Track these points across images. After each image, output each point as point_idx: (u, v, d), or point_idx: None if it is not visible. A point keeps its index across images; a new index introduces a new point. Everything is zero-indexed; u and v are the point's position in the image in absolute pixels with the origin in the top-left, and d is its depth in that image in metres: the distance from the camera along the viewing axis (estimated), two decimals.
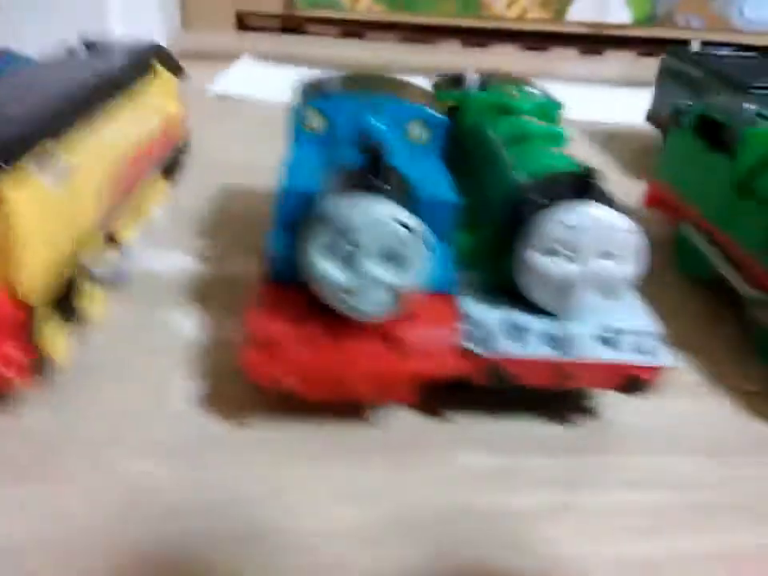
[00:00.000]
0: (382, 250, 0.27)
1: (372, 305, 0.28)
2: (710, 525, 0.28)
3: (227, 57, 1.06)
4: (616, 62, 1.41)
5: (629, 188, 0.54)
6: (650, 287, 0.47)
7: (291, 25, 1.42)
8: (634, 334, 0.31)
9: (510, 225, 0.32)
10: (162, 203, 0.47)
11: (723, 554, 0.26)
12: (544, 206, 0.29)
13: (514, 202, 0.33)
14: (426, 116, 0.38)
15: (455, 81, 0.48)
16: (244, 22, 1.42)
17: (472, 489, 0.28)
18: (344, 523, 0.26)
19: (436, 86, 0.49)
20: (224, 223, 0.49)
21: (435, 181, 0.35)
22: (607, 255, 0.29)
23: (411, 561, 0.25)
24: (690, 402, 0.35)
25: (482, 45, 1.47)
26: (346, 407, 0.31)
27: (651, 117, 0.76)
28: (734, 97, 0.49)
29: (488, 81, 0.46)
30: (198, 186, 0.54)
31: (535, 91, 0.46)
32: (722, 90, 0.63)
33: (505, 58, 1.39)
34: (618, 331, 0.31)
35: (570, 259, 0.29)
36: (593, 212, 0.29)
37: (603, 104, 0.97)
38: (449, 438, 0.31)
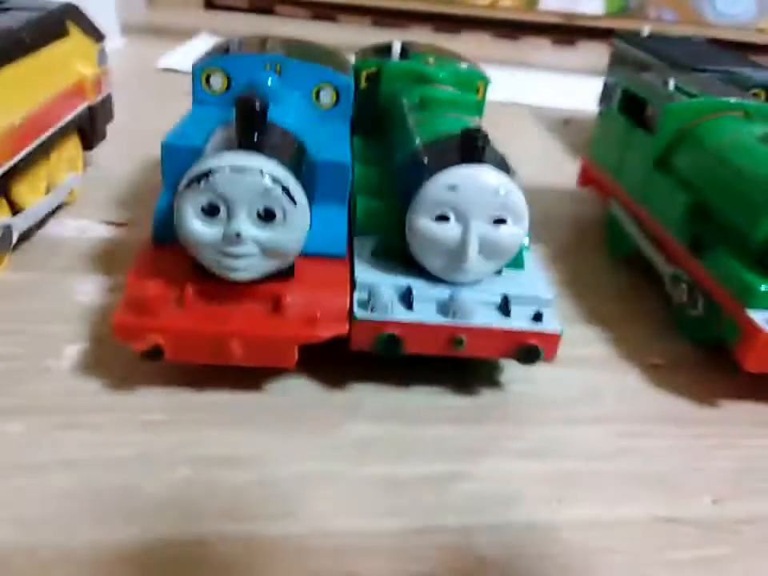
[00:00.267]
0: (253, 206, 0.26)
1: (245, 265, 0.27)
2: (607, 494, 0.27)
3: (190, 34, 1.04)
4: (587, 52, 1.41)
5: (572, 169, 0.54)
6: (577, 265, 0.47)
7: (261, 5, 1.40)
8: (529, 301, 0.30)
9: (402, 189, 0.32)
10: (77, 169, 0.45)
11: (619, 522, 0.26)
12: (429, 169, 0.29)
13: (406, 166, 0.32)
14: (333, 79, 0.37)
15: (379, 50, 0.47)
16: (212, 2, 1.40)
17: (356, 457, 0.27)
18: (201, 489, 0.25)
19: (359, 54, 0.48)
20: (141, 193, 0.48)
21: (332, 143, 0.33)
22: (495, 219, 0.28)
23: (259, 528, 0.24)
24: (598, 374, 0.34)
25: (454, 31, 1.46)
26: (237, 372, 0.30)
27: (602, 101, 0.75)
28: (661, 73, 0.48)
29: (409, 50, 0.46)
30: (120, 155, 0.52)
31: (461, 64, 0.46)
32: (669, 72, 0.62)
33: (476, 46, 1.38)
34: (512, 298, 0.30)
35: (457, 223, 0.28)
36: (475, 173, 0.28)
37: (566, 91, 0.97)
38: (345, 407, 0.29)
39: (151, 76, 0.81)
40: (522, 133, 0.77)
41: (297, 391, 0.30)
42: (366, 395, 0.30)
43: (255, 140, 0.27)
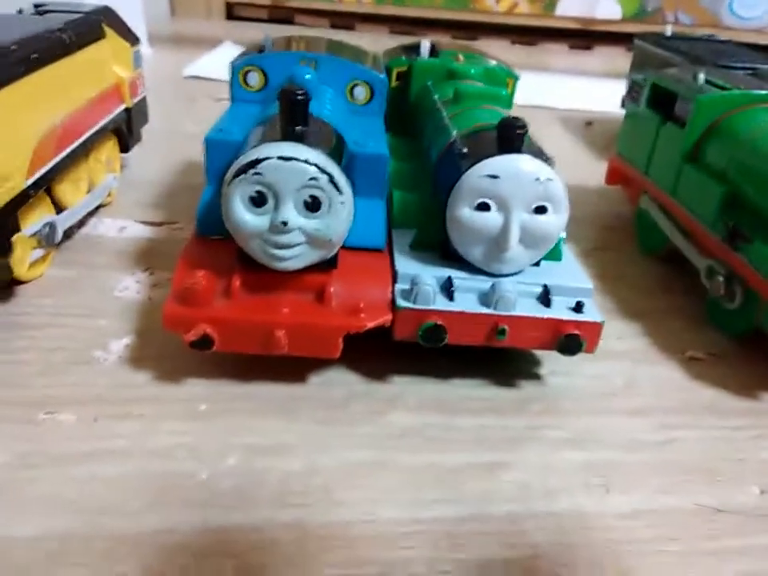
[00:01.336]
0: (300, 195, 0.26)
1: (291, 254, 0.27)
2: (652, 483, 0.27)
3: (213, 44, 1.06)
4: (604, 56, 1.41)
5: (598, 169, 0.54)
6: (608, 261, 0.47)
7: (280, 15, 1.42)
8: (569, 292, 0.30)
9: (441, 181, 0.32)
10: (115, 170, 0.46)
11: (666, 511, 0.25)
12: (468, 159, 0.29)
13: (444, 158, 0.32)
14: (366, 76, 0.38)
15: (408, 49, 0.47)
16: (233, 12, 1.42)
17: (400, 446, 0.27)
18: (251, 477, 0.25)
19: (387, 53, 0.48)
20: (175, 194, 0.48)
21: (369, 137, 0.34)
22: (536, 208, 0.29)
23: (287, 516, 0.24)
24: (636, 367, 0.34)
25: (471, 38, 1.47)
26: (282, 364, 0.30)
27: (628, 98, 0.75)
28: (688, 68, 0.48)
29: (439, 48, 0.46)
30: (153, 157, 0.53)
31: (490, 61, 0.46)
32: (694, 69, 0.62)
33: (494, 52, 1.38)
34: (552, 289, 0.30)
35: (498, 212, 0.29)
36: (515, 162, 0.28)
37: (586, 94, 0.97)
38: (387, 398, 0.30)
39: (178, 83, 0.83)
40: (547, 134, 0.77)
41: (339, 382, 0.30)
42: (407, 387, 0.30)
43: (300, 130, 0.27)
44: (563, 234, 0.34)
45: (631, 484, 0.27)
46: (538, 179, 0.28)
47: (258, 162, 0.26)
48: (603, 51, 1.46)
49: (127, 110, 0.47)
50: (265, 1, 1.39)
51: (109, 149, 0.45)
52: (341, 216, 0.27)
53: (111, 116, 0.44)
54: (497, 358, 0.33)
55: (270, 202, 0.26)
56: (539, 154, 0.30)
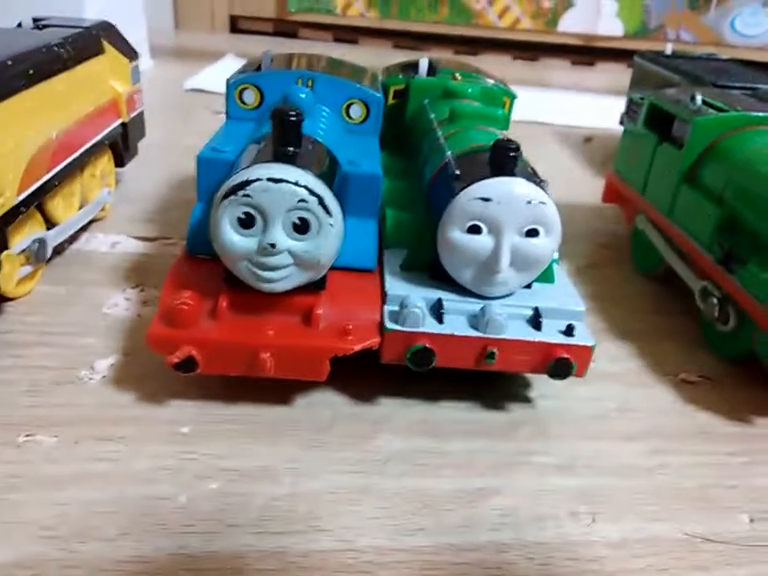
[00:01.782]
0: (288, 217, 0.26)
1: (280, 276, 0.27)
2: (641, 511, 0.26)
3: (216, 57, 1.06)
4: (606, 72, 1.41)
5: (595, 186, 0.53)
6: (602, 281, 0.47)
7: (284, 29, 1.43)
8: (560, 315, 0.30)
9: (434, 202, 0.32)
10: (109, 185, 0.46)
11: (655, 540, 0.25)
12: (461, 181, 0.29)
13: (437, 178, 0.32)
14: (363, 95, 0.38)
15: (406, 67, 0.47)
16: (237, 26, 1.43)
17: (386, 471, 0.27)
18: (232, 502, 0.25)
19: (386, 71, 0.48)
20: (171, 209, 0.48)
21: (363, 156, 0.34)
22: (528, 231, 0.28)
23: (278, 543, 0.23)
24: (629, 390, 0.34)
25: (473, 53, 1.48)
26: (269, 386, 0.30)
27: (626, 117, 0.75)
28: (686, 88, 0.48)
29: (437, 66, 0.46)
30: (150, 172, 0.53)
31: (487, 79, 0.46)
32: (692, 89, 0.62)
33: (496, 67, 1.39)
34: (543, 312, 0.29)
35: (489, 234, 0.28)
36: (507, 185, 0.28)
37: (586, 110, 0.97)
38: (374, 421, 0.29)
39: (179, 96, 0.83)
40: (545, 151, 0.77)
41: (326, 405, 0.30)
42: (395, 409, 0.30)
43: (291, 152, 0.27)
44: (556, 256, 0.34)
45: (620, 512, 0.26)
46: (530, 202, 0.28)
47: (247, 183, 0.26)
48: (605, 67, 1.46)
49: (124, 124, 0.47)
50: (269, 14, 1.40)
51: (104, 163, 0.45)
52: (330, 238, 0.26)
53: (107, 131, 0.44)
54: (487, 380, 0.32)
55: (259, 224, 0.26)
56: (532, 176, 0.30)
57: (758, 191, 0.36)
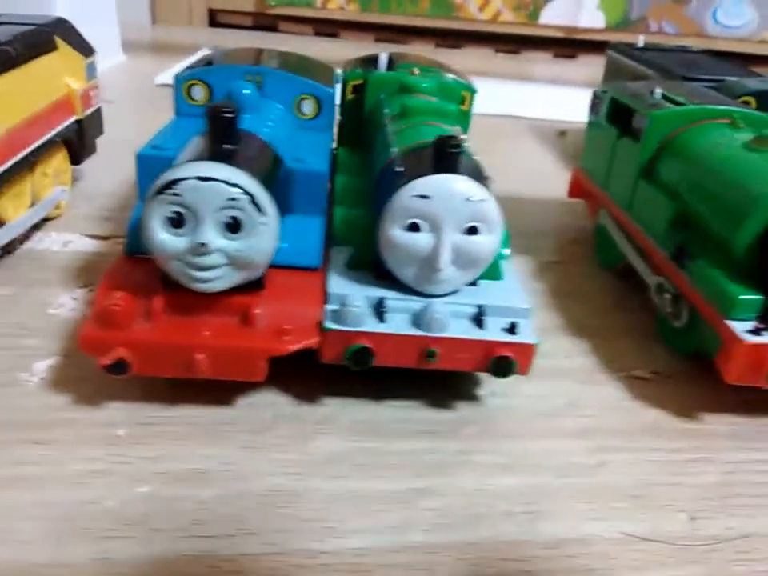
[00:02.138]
0: (219, 216, 0.26)
1: (213, 276, 0.26)
2: (580, 510, 0.26)
3: (192, 51, 1.05)
4: (588, 65, 1.41)
5: (565, 180, 0.53)
6: (566, 276, 0.46)
7: (264, 23, 1.42)
8: (504, 312, 0.30)
9: (378, 199, 0.31)
10: (65, 183, 0.46)
11: (591, 540, 0.25)
12: (400, 178, 0.28)
13: (381, 175, 0.32)
14: (314, 90, 0.37)
15: (366, 61, 0.47)
16: (217, 20, 1.41)
17: (324, 473, 0.26)
18: (162, 505, 0.24)
19: (347, 65, 0.48)
20: (130, 206, 0.47)
21: (310, 153, 0.33)
22: (468, 228, 0.28)
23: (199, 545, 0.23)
24: (581, 387, 0.34)
25: (455, 46, 1.47)
26: (210, 387, 0.29)
27: (591, 112, 0.75)
28: (651, 83, 0.48)
29: (397, 61, 0.46)
30: (112, 169, 0.52)
31: (447, 74, 0.46)
32: (661, 82, 0.62)
33: (478, 60, 1.38)
34: (487, 310, 0.29)
35: (429, 232, 0.28)
36: (446, 182, 0.27)
37: (562, 103, 0.97)
38: (317, 421, 0.29)
39: (150, 92, 0.82)
40: (518, 145, 0.76)
41: (268, 406, 0.29)
42: (339, 409, 0.30)
43: (224, 149, 0.27)
44: (507, 252, 0.34)
45: (559, 511, 0.26)
46: (469, 199, 0.28)
47: (176, 181, 0.25)
48: (587, 60, 1.46)
49: (78, 121, 0.46)
50: (248, 8, 1.39)
51: (59, 161, 0.45)
52: (264, 237, 0.26)
53: (60, 128, 0.43)
54: (435, 378, 0.32)
55: (190, 223, 0.26)
56: (475, 173, 0.29)
57: (708, 187, 0.35)
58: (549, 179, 0.64)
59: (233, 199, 0.25)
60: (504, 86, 1.07)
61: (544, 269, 0.46)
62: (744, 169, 0.34)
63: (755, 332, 0.29)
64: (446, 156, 0.28)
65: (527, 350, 0.29)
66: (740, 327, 0.30)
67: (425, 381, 0.32)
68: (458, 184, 0.28)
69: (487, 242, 0.28)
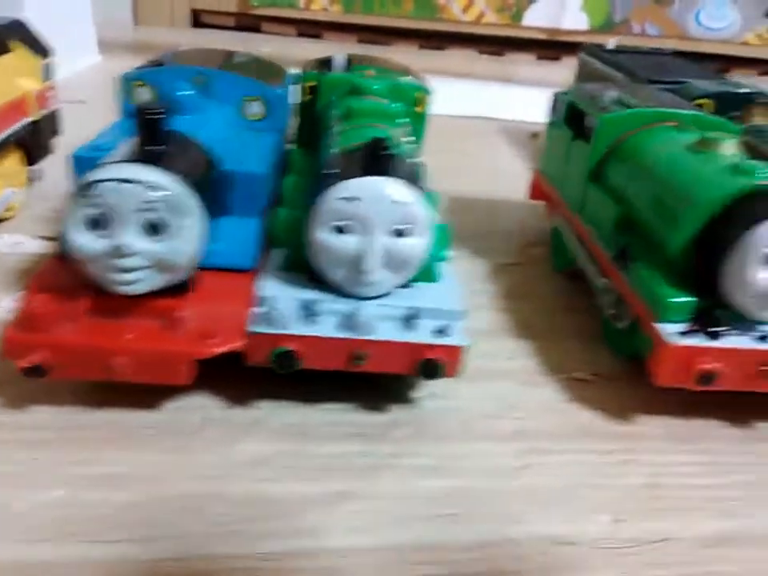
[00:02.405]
0: (140, 218, 0.25)
1: (135, 278, 0.26)
2: (503, 513, 0.26)
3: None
4: (572, 67, 1.41)
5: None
6: (521, 278, 0.46)
7: (247, 24, 1.42)
8: (436, 315, 0.30)
9: (312, 201, 0.31)
10: (19, 184, 0.45)
11: (511, 543, 0.25)
12: (329, 180, 0.28)
13: (319, 177, 0.32)
14: (262, 92, 0.37)
15: (323, 63, 0.47)
16: (200, 20, 1.41)
17: (247, 476, 0.26)
18: (74, 510, 0.24)
19: (305, 66, 0.48)
20: None
21: (252, 155, 0.33)
22: (397, 231, 0.28)
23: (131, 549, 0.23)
24: (520, 389, 0.34)
25: (439, 48, 1.47)
26: (138, 390, 0.29)
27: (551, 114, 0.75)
28: (602, 85, 0.48)
29: (354, 62, 0.46)
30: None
31: (403, 76, 0.46)
32: (627, 84, 0.62)
33: (462, 62, 1.39)
34: (418, 312, 0.29)
35: (356, 235, 0.28)
36: (374, 185, 0.27)
37: (537, 105, 0.97)
38: (245, 424, 0.29)
39: None
40: (489, 146, 0.76)
41: (196, 409, 0.29)
42: (271, 412, 0.30)
43: (148, 151, 0.27)
44: (449, 254, 0.34)
45: (482, 513, 0.26)
46: (397, 202, 0.28)
47: (96, 183, 0.25)
48: (571, 62, 1.45)
49: (34, 122, 0.46)
50: (231, 8, 1.38)
51: (11, 162, 0.44)
52: (186, 239, 0.26)
53: (12, 129, 0.43)
54: (371, 381, 0.32)
55: (111, 225, 0.25)
56: (407, 175, 0.29)
57: (649, 189, 0.36)
58: (517, 181, 0.64)
59: (152, 201, 0.25)
60: (480, 87, 1.08)
61: (500, 270, 0.46)
62: (683, 171, 0.34)
63: (686, 334, 0.30)
64: (376, 158, 0.28)
65: (456, 353, 0.29)
66: (669, 329, 0.30)
67: (360, 383, 0.32)
68: (385, 186, 0.28)
69: (417, 245, 0.28)
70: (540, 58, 1.46)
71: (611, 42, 0.73)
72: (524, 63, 1.44)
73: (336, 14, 1.39)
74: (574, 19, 1.42)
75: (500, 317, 0.40)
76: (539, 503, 0.27)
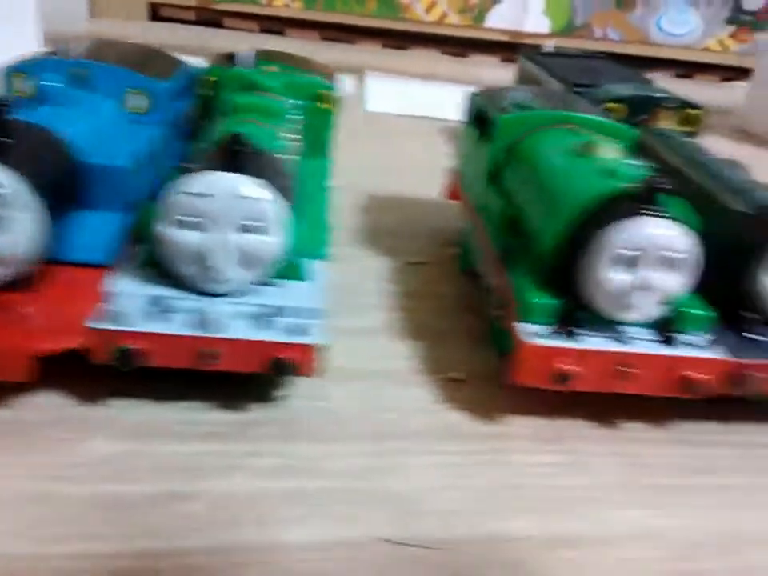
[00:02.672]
0: None
1: None
2: (338, 514, 0.26)
3: None
4: None
5: None
6: (425, 278, 0.46)
7: (208, 18, 1.40)
8: (294, 313, 0.29)
9: None
10: None
11: (340, 544, 0.24)
12: (175, 175, 0.28)
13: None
14: (145, 85, 0.37)
15: (228, 58, 0.46)
16: (159, 14, 1.40)
17: (86, 476, 0.26)
18: None
19: (213, 60, 0.47)
20: None
21: (121, 147, 0.33)
22: (245, 227, 0.28)
23: None
24: (392, 389, 0.33)
25: (402, 47, 1.47)
26: None
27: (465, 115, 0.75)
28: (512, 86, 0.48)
29: (264, 58, 0.45)
30: None
31: (309, 73, 0.45)
32: (557, 87, 0.62)
33: (425, 62, 1.39)
34: (275, 310, 0.29)
35: (204, 230, 0.28)
36: (220, 181, 0.27)
37: None
38: (93, 423, 0.28)
39: None
40: (426, 146, 0.76)
41: (41, 407, 0.29)
42: (122, 411, 0.29)
43: None
44: (328, 252, 0.34)
45: (315, 515, 0.25)
46: (245, 198, 0.27)
47: None
48: None
49: None
50: (192, 2, 1.37)
51: None
52: (20, 233, 0.25)
53: None
54: (235, 379, 0.31)
55: None
56: (265, 172, 0.29)
57: (530, 191, 0.36)
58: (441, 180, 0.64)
59: None
60: (431, 87, 1.08)
61: (407, 270, 0.46)
62: (558, 175, 0.34)
63: (545, 334, 0.29)
64: (229, 154, 0.28)
65: (310, 351, 0.28)
66: (529, 329, 0.29)
67: (223, 381, 0.31)
68: (232, 182, 0.27)
69: (268, 242, 0.28)
70: (504, 60, 1.47)
71: (548, 46, 0.73)
72: (487, 65, 1.45)
73: (297, 10, 1.38)
74: (535, 22, 1.43)
75: (393, 316, 0.40)
76: (380, 504, 0.26)
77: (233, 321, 0.28)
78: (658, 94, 0.48)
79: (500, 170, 0.40)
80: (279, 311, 0.29)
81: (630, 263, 0.28)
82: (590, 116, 0.40)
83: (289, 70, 0.45)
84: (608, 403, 0.33)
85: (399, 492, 0.27)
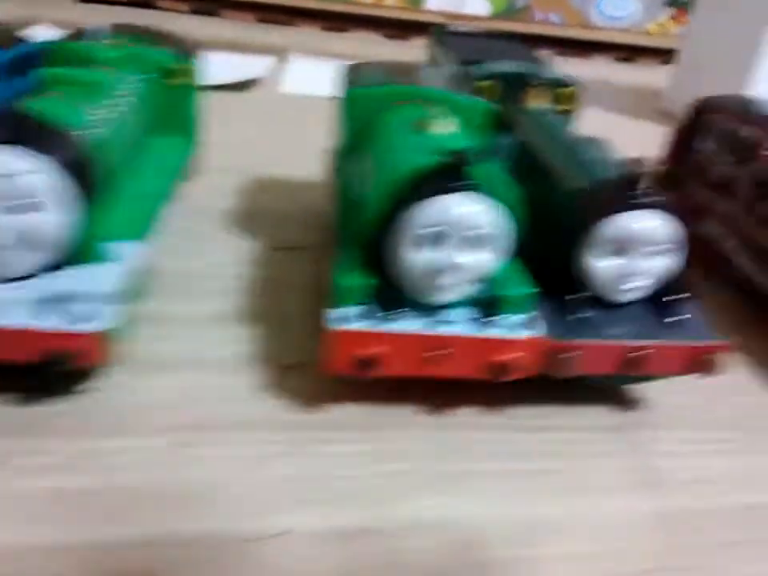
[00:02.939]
0: None
1: None
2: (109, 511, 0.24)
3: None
4: None
5: None
6: (290, 263, 0.44)
7: None
8: (83, 298, 0.27)
9: None
10: None
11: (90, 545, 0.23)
12: None
13: None
14: None
15: (83, 32, 0.44)
16: None
17: None
18: None
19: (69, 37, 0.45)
20: None
21: None
22: (21, 207, 0.26)
23: None
24: (215, 377, 0.31)
25: (341, 29, 1.44)
26: None
27: None
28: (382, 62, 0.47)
29: (116, 33, 0.43)
30: None
31: (163, 48, 0.43)
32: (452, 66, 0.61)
33: (364, 45, 1.36)
34: (58, 296, 0.27)
35: None
36: None
37: None
38: None
39: None
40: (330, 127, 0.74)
41: None
42: None
43: None
44: (145, 233, 0.32)
45: (78, 516, 0.24)
46: (10, 176, 0.25)
47: None
48: None
49: None
50: None
51: None
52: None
53: None
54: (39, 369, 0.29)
55: None
56: (41, 145, 0.27)
57: (362, 171, 0.34)
58: None
59: None
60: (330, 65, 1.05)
61: (275, 255, 0.44)
62: (388, 151, 0.32)
63: (355, 319, 0.28)
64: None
65: (91, 340, 0.26)
66: (337, 314, 0.28)
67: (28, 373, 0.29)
68: None
69: (45, 221, 0.26)
70: None
71: (455, 25, 0.72)
72: (427, 48, 1.43)
73: None
74: (475, 5, 1.41)
75: (240, 302, 0.38)
76: (165, 500, 0.25)
77: (10, 308, 0.26)
78: (529, 72, 0.47)
79: (351, 148, 0.39)
80: (68, 297, 0.27)
81: (434, 242, 0.27)
82: (441, 91, 0.39)
83: (141, 44, 0.43)
84: (442, 389, 0.32)
85: (197, 484, 0.26)
